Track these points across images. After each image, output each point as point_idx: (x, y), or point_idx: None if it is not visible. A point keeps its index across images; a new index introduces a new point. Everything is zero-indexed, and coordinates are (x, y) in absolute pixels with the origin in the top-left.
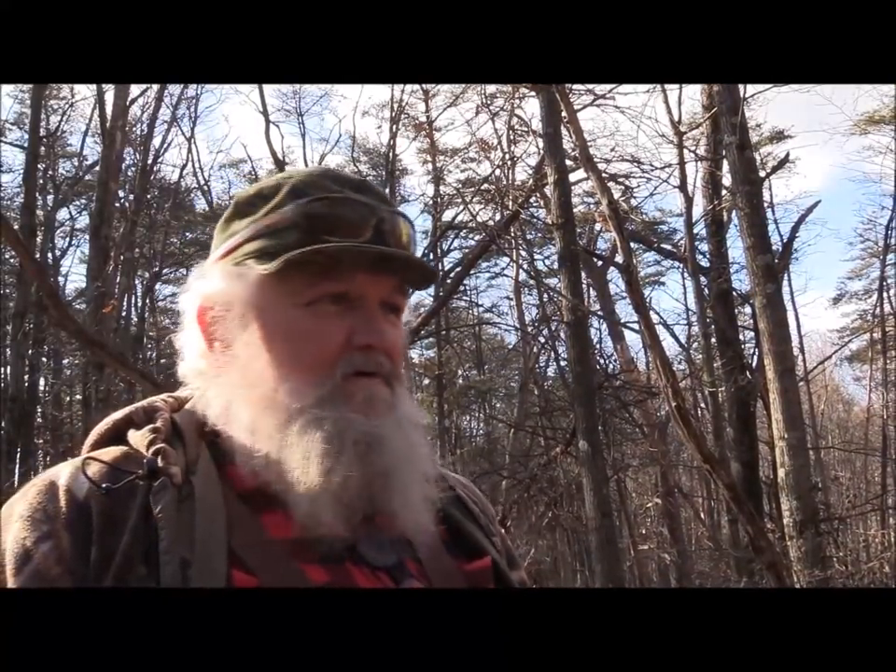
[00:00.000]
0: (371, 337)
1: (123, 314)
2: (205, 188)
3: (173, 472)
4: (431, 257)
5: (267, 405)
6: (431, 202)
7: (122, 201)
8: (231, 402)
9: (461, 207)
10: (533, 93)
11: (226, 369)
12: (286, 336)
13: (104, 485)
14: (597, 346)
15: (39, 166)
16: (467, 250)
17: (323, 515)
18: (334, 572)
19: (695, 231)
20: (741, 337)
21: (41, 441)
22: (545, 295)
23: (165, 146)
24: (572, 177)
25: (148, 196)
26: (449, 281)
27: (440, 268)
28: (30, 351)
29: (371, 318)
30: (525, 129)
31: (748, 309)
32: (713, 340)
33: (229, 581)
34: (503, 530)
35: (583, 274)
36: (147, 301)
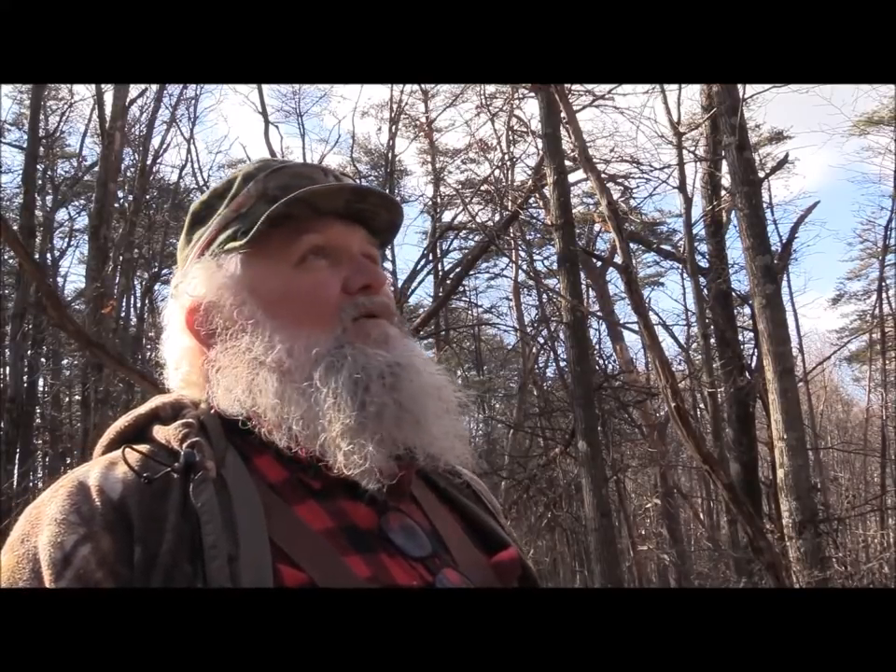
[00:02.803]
0: (367, 277)
1: (122, 314)
2: (205, 188)
3: (209, 466)
4: (431, 257)
5: (287, 368)
6: (431, 202)
7: (121, 201)
8: (252, 383)
9: (460, 208)
10: (532, 94)
11: (236, 358)
12: (284, 298)
13: (144, 475)
14: (597, 347)
15: (38, 167)
16: (466, 251)
17: (364, 453)
18: (372, 564)
19: (695, 231)
20: (740, 337)
21: (40, 441)
22: (544, 296)
23: (164, 146)
24: (571, 178)
25: (147, 197)
26: (448, 281)
27: (439, 268)
28: (29, 352)
29: (361, 262)
30: (525, 129)
31: (747, 310)
32: (712, 340)
33: (276, 575)
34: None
35: (582, 275)
36: (147, 301)
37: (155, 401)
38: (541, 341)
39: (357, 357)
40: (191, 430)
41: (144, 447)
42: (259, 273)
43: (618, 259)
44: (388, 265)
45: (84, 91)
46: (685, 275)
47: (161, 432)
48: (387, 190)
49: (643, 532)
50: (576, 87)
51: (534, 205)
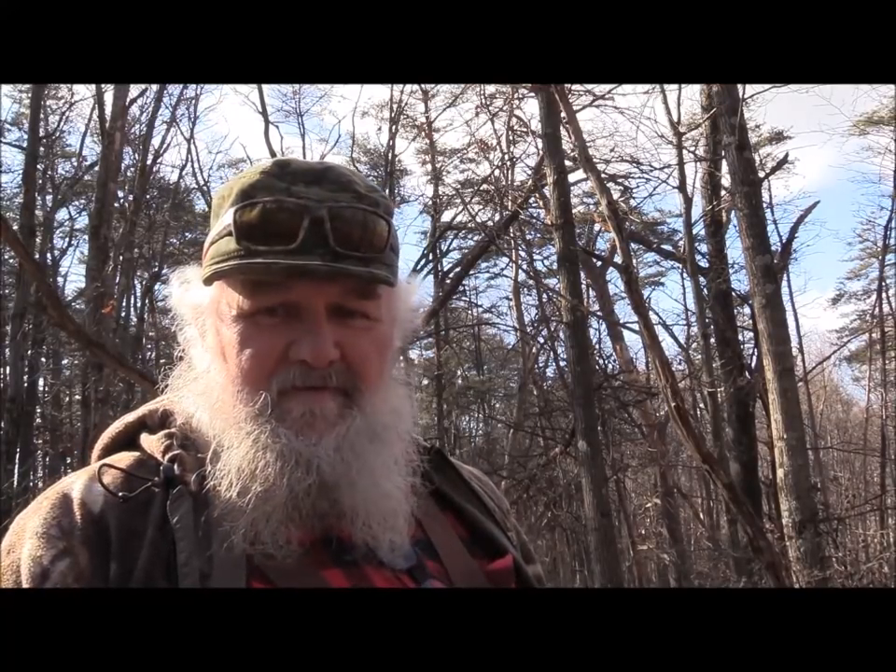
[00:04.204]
0: (306, 352)
1: (122, 314)
2: (205, 188)
3: (189, 479)
4: (430, 257)
5: (214, 415)
6: (430, 202)
7: (121, 201)
8: (195, 408)
9: (460, 208)
10: (532, 94)
11: (199, 377)
12: (228, 348)
13: (120, 494)
14: (597, 347)
15: (38, 166)
16: (466, 251)
17: (257, 527)
18: (353, 576)
19: (695, 231)
20: (740, 337)
21: (40, 441)
22: (544, 295)
23: (164, 146)
24: (571, 178)
25: (148, 196)
26: (448, 281)
27: (439, 268)
28: (29, 351)
29: (312, 330)
30: (525, 129)
31: (747, 309)
32: (712, 340)
33: None
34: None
35: (582, 275)
36: (147, 301)
37: (144, 409)
38: (541, 341)
39: (259, 437)
40: (173, 441)
41: (131, 455)
42: (220, 312)
43: (618, 259)
44: None
45: (84, 91)
46: (685, 275)
47: (146, 441)
48: (387, 191)
49: (643, 532)
50: (576, 87)
51: (534, 205)
